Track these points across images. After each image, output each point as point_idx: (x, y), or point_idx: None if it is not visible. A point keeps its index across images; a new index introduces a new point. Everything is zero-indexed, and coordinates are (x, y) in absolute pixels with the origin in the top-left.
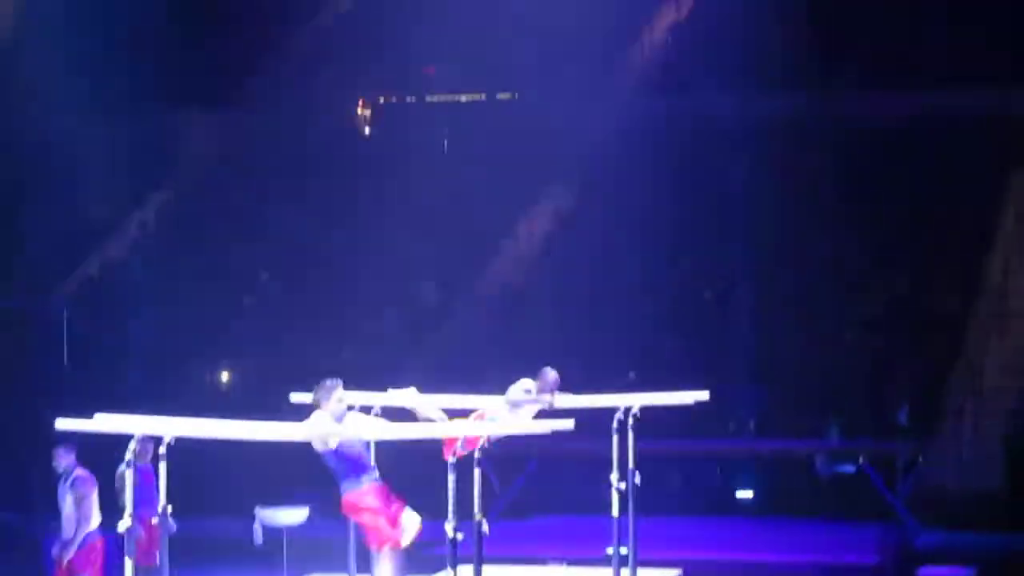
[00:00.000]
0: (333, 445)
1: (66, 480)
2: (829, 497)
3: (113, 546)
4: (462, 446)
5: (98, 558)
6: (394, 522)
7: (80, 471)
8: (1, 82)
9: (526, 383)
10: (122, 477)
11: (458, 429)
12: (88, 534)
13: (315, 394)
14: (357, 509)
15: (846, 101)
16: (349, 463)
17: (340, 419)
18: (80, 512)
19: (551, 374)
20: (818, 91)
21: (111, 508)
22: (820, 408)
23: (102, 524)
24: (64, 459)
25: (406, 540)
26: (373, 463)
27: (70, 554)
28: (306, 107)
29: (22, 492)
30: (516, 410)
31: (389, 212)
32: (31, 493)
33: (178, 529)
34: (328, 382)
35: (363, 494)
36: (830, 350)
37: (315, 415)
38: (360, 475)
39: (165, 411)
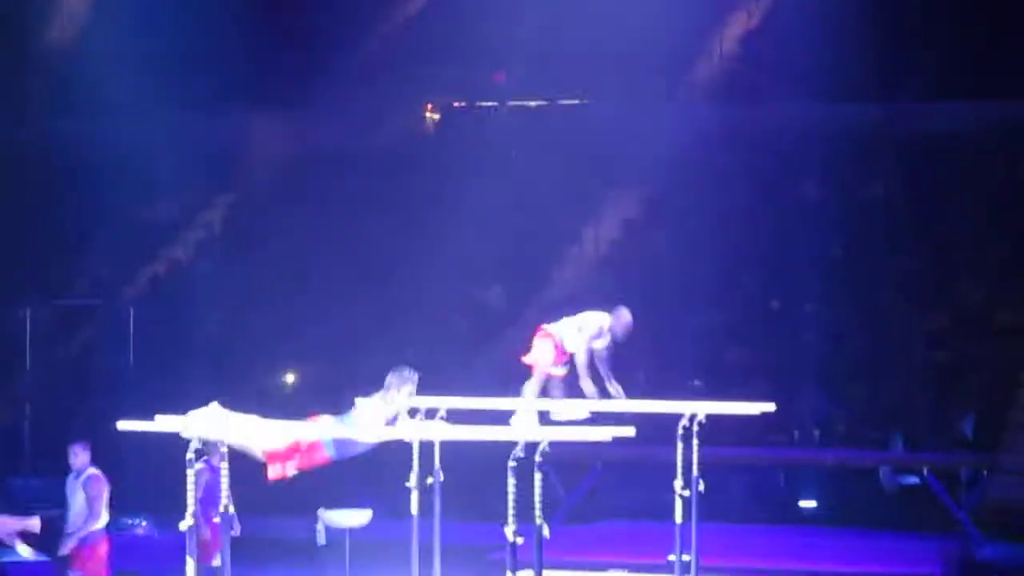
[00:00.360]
0: (367, 445)
1: (78, 477)
2: (893, 508)
3: (172, 545)
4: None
5: (97, 555)
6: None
7: (93, 470)
8: (70, 80)
9: (602, 318)
10: (196, 475)
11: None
12: (92, 532)
13: (390, 378)
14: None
15: (917, 111)
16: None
17: (393, 421)
18: (91, 510)
19: (625, 315)
20: (889, 101)
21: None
22: (885, 419)
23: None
24: (81, 456)
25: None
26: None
27: (70, 545)
28: (374, 110)
29: None
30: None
31: (456, 216)
32: None
33: (241, 529)
34: (407, 371)
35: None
36: (896, 361)
37: (369, 403)
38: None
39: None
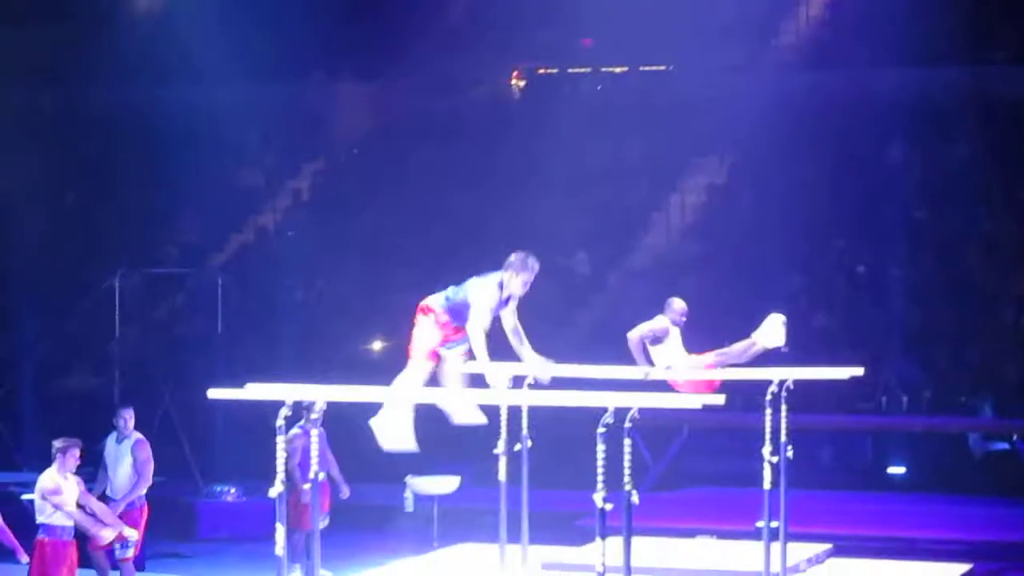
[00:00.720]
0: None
1: (122, 441)
2: (982, 474)
3: (266, 511)
4: None
5: (142, 519)
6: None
7: (139, 434)
8: (157, 49)
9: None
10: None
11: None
12: (140, 496)
13: (511, 258)
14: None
15: (1002, 74)
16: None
17: (504, 303)
18: (141, 474)
19: (677, 303)
20: (974, 64)
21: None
22: (973, 384)
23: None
24: (130, 421)
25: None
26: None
27: (118, 510)
28: (460, 77)
29: (176, 458)
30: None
31: (541, 183)
32: (185, 460)
33: (331, 496)
34: (531, 259)
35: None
36: (984, 325)
37: (483, 281)
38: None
39: (317, 380)
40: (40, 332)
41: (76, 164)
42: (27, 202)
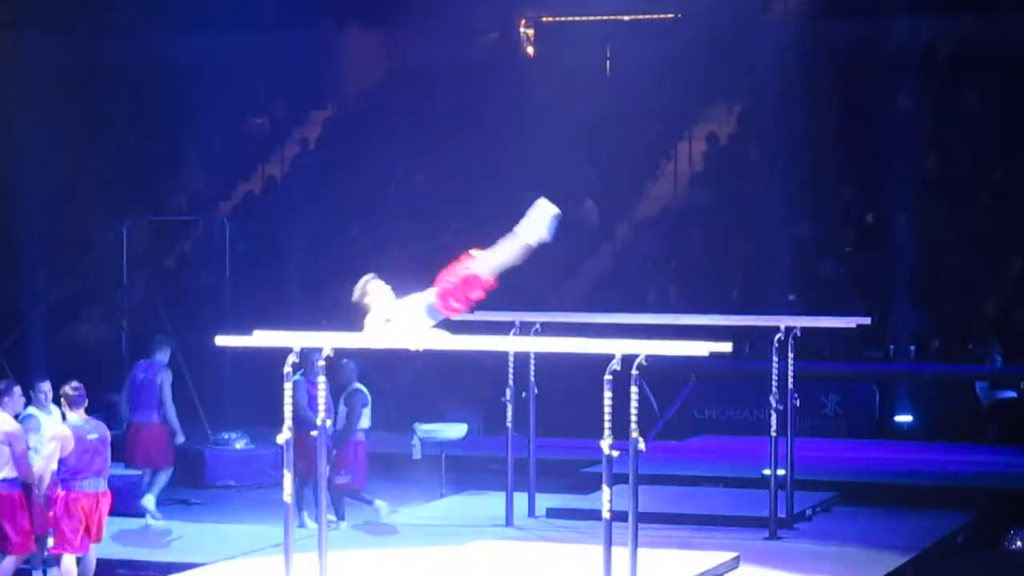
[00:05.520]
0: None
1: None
2: (989, 422)
3: (270, 459)
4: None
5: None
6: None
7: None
8: None
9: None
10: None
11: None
12: None
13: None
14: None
15: (1011, 23)
16: None
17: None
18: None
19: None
20: (985, 14)
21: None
22: (981, 333)
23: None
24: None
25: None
26: None
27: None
28: (468, 26)
29: (184, 405)
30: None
31: (550, 131)
32: (193, 408)
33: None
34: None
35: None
36: (993, 276)
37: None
38: None
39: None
40: (48, 280)
41: (84, 113)
42: (35, 151)
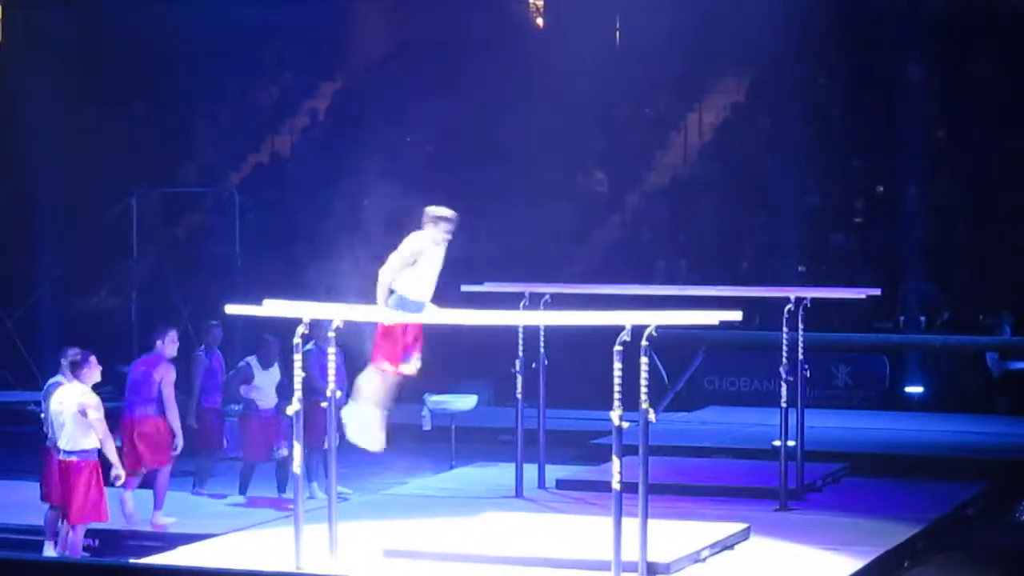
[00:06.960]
0: None
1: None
2: (1000, 393)
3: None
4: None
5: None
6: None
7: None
8: None
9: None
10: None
11: None
12: None
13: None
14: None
15: None
16: None
17: None
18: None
19: None
20: None
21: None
22: (992, 303)
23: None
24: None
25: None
26: None
27: None
28: None
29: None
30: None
31: (560, 103)
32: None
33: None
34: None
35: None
36: (1003, 244)
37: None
38: None
39: (334, 298)
40: (58, 252)
41: (93, 85)
42: (45, 123)
